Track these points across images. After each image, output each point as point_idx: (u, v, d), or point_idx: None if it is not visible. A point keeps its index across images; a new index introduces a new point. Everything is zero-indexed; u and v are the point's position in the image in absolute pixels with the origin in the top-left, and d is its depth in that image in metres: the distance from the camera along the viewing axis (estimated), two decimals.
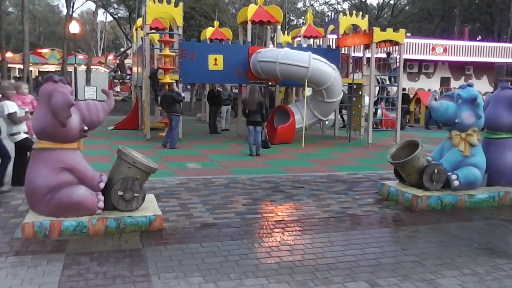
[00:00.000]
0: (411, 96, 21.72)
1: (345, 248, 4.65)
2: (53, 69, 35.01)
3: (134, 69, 18.41)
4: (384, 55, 15.86)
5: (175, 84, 12.01)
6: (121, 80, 35.22)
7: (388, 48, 14.01)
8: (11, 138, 6.80)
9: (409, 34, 29.77)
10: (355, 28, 14.85)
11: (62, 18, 45.98)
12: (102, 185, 4.98)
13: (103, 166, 7.10)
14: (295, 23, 55.31)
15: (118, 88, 34.15)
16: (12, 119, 6.65)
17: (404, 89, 19.08)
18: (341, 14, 15.21)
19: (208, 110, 16.33)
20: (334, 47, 14.73)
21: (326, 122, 15.80)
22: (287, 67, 11.86)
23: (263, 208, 6.08)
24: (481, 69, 29.68)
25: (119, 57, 37.70)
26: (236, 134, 14.40)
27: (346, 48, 14.84)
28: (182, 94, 12.00)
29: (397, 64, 13.69)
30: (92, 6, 42.87)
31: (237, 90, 19.03)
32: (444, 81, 29.56)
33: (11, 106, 6.66)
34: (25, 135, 6.86)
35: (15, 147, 6.89)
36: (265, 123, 11.05)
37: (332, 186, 7.52)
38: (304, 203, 6.35)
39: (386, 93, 16.14)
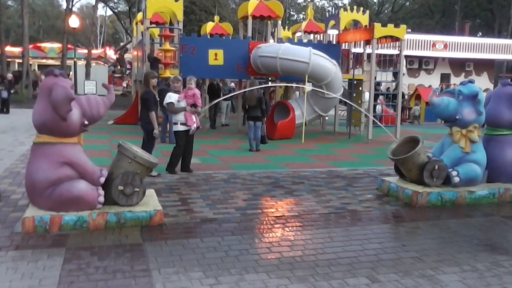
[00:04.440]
0: (411, 92, 21.69)
1: (345, 244, 4.65)
2: (53, 63, 34.92)
3: (134, 63, 18.37)
4: (384, 51, 15.79)
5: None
6: (120, 75, 35.23)
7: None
8: (173, 127, 7.67)
9: (409, 30, 29.65)
10: (355, 23, 14.81)
11: (62, 12, 45.79)
12: (102, 179, 4.97)
13: (103, 160, 7.10)
14: (295, 18, 55.21)
15: (125, 84, 34.27)
16: (168, 108, 7.42)
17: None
18: (341, 9, 15.19)
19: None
20: (334, 43, 14.71)
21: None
22: (288, 62, 11.84)
23: (264, 204, 6.08)
24: (481, 65, 29.64)
25: (119, 52, 37.62)
26: (236, 129, 14.39)
27: (347, 43, 14.82)
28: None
29: (397, 60, 13.67)
30: (92, 0, 42.76)
31: (232, 84, 18.87)
32: (444, 78, 29.53)
33: (172, 97, 7.44)
34: (182, 127, 7.51)
35: (174, 135, 7.77)
36: (265, 118, 11.02)
37: (332, 181, 7.52)
38: (304, 199, 6.35)
39: (386, 89, 16.10)
